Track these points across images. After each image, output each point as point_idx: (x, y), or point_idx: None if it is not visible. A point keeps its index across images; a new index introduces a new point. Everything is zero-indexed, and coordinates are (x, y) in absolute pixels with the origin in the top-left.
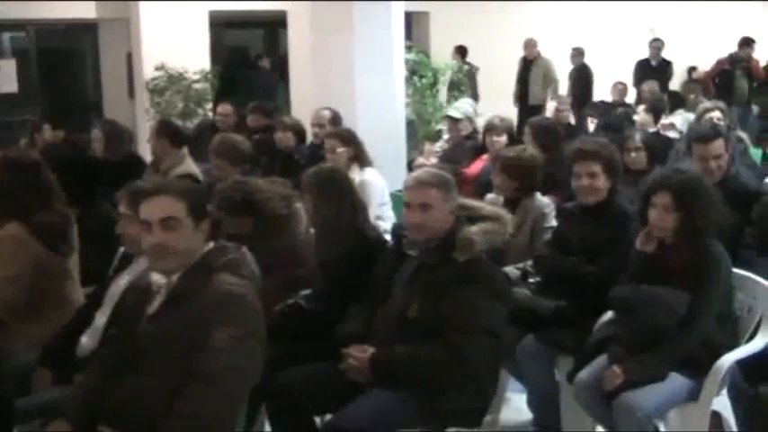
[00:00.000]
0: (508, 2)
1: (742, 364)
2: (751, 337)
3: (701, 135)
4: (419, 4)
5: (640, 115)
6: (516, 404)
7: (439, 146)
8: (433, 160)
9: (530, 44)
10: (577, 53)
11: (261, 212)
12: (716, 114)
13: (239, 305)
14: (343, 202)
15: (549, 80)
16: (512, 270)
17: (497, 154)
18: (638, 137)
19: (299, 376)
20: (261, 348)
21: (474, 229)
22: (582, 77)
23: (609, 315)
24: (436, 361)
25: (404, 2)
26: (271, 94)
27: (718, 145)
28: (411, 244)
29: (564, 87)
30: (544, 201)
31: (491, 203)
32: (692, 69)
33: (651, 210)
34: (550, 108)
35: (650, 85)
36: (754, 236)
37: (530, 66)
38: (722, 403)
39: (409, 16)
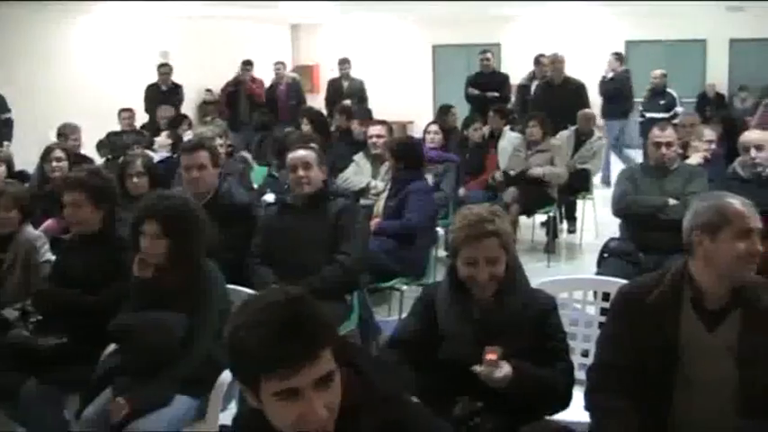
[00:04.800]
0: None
1: None
2: None
3: (185, 146)
4: None
5: (160, 138)
6: None
7: None
8: None
9: None
10: None
11: None
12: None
13: None
14: None
15: None
16: (9, 311)
17: None
18: (139, 162)
19: None
20: None
21: None
22: None
23: (113, 346)
24: None
25: None
26: None
27: (204, 155)
28: None
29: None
30: (34, 233)
31: None
32: (207, 91)
33: (142, 237)
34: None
35: (165, 110)
36: (256, 245)
37: None
38: (231, 417)
39: None
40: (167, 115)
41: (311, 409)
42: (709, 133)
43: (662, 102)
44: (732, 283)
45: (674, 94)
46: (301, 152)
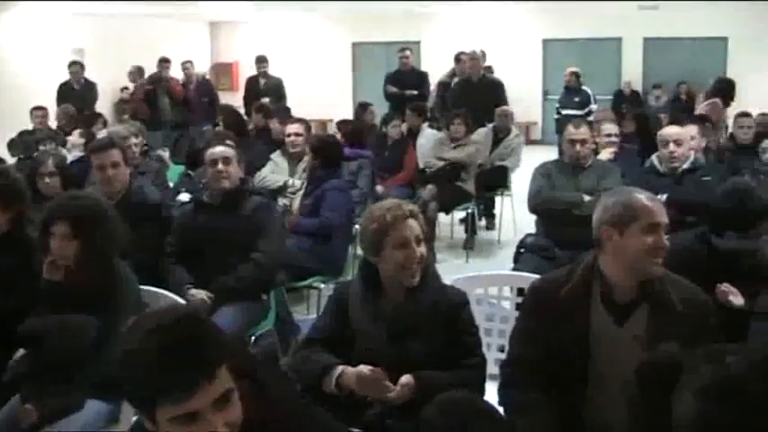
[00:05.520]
0: None
1: None
2: None
3: (95, 146)
4: None
5: (73, 137)
6: None
7: None
8: None
9: None
10: None
11: None
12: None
13: None
14: None
15: None
16: None
17: None
18: (50, 161)
19: None
20: None
21: None
22: None
23: (22, 351)
24: None
25: None
26: None
27: (116, 153)
28: None
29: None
30: None
31: None
32: (124, 89)
33: (51, 239)
34: None
35: (65, 108)
36: (171, 245)
37: None
38: None
39: None
40: (68, 113)
41: (211, 430)
42: (610, 128)
43: (576, 99)
44: (640, 276)
45: (589, 91)
46: (221, 148)
